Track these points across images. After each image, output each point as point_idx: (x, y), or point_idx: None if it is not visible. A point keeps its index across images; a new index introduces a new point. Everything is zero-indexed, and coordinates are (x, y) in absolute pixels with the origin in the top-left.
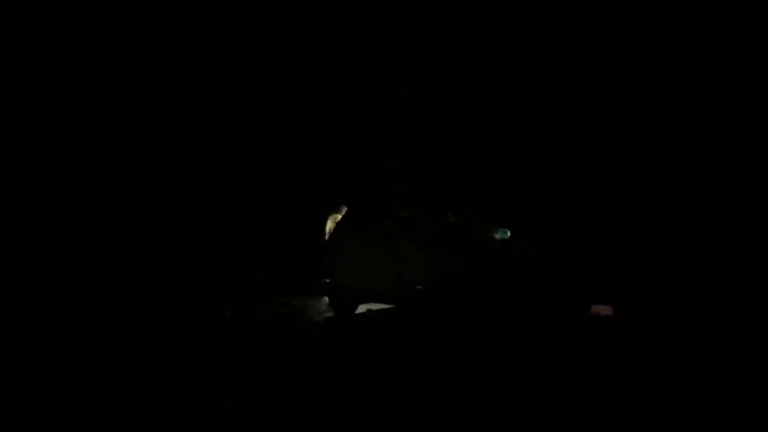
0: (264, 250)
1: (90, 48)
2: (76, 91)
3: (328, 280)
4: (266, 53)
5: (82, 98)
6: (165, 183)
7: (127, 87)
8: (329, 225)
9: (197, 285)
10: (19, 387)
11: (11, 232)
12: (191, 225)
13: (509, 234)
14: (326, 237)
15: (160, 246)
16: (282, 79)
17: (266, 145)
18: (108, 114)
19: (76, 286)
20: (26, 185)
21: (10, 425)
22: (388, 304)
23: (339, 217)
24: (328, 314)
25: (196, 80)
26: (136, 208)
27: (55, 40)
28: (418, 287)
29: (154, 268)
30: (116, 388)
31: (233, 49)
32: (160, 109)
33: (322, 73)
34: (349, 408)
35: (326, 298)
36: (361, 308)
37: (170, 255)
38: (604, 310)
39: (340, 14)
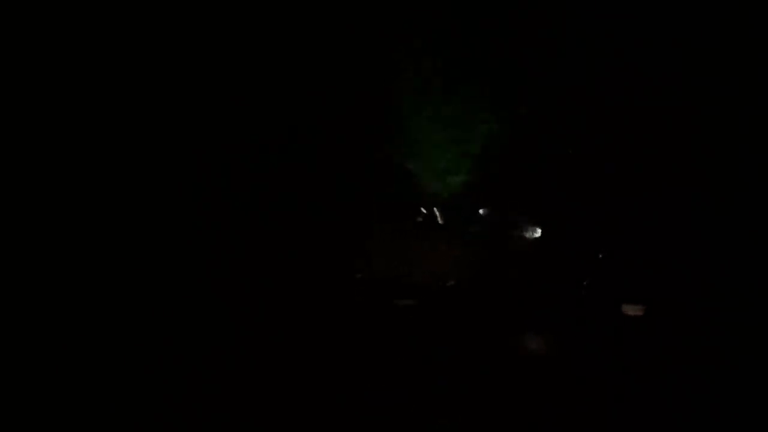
0: (296, 246)
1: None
2: (80, 91)
3: (359, 276)
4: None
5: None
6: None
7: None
8: (363, 220)
9: (224, 281)
10: (20, 387)
11: (12, 232)
12: (220, 218)
13: (540, 232)
14: (359, 232)
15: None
16: (319, 73)
17: (297, 139)
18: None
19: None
20: (27, 185)
21: (10, 425)
22: (419, 299)
23: (373, 212)
24: (360, 309)
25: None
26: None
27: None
28: (450, 283)
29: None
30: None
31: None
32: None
33: (356, 69)
34: (371, 402)
35: (359, 293)
36: (394, 303)
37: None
38: (635, 310)
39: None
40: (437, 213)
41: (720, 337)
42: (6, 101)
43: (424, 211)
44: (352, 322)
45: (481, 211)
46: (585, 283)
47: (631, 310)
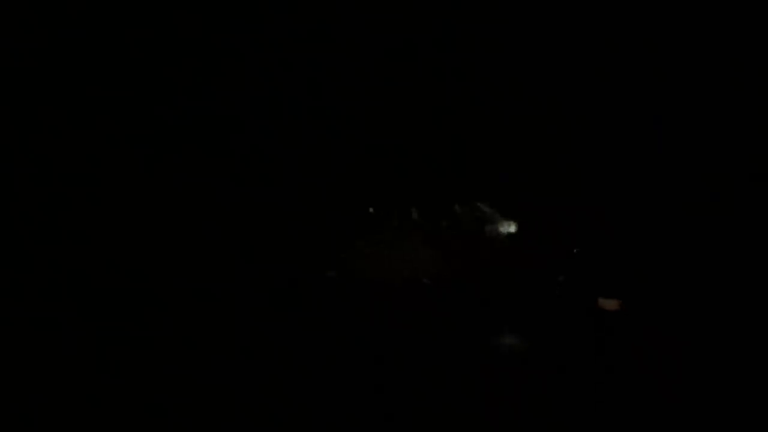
0: (272, 245)
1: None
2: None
3: (334, 274)
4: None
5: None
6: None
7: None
8: (339, 219)
9: (201, 280)
10: (21, 388)
11: (11, 234)
12: (197, 218)
13: (514, 227)
14: (331, 231)
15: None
16: (302, 76)
17: (276, 138)
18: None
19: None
20: (26, 186)
21: (9, 425)
22: (394, 297)
23: (348, 211)
24: (336, 309)
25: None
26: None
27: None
28: (425, 281)
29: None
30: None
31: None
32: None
33: (336, 71)
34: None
35: (334, 293)
36: (371, 303)
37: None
38: (611, 305)
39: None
40: (411, 210)
41: (698, 332)
42: (5, 101)
43: (395, 211)
44: (326, 321)
45: (455, 207)
46: (560, 278)
47: (608, 304)
